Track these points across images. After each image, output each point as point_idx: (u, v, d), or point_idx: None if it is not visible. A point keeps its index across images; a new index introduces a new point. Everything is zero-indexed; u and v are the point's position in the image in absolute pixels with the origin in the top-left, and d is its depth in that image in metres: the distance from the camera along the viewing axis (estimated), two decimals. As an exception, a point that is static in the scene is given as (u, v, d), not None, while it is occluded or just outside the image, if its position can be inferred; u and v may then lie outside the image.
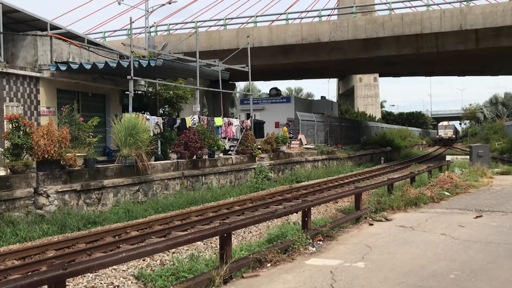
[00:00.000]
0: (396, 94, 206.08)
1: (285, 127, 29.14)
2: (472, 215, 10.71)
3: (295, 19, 32.38)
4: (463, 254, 7.27)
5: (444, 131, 77.55)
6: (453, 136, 77.92)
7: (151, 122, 16.73)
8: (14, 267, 7.78)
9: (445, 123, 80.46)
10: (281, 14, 32.51)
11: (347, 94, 74.89)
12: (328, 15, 35.80)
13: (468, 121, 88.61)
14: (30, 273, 6.79)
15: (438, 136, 78.91)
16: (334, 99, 70.20)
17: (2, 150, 12.46)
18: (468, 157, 25.00)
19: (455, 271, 6.38)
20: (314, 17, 31.68)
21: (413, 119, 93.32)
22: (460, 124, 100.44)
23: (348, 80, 71.61)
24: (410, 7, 31.40)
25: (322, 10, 31.70)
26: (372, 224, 9.90)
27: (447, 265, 6.70)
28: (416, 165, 24.88)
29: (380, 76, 64.09)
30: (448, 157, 29.26)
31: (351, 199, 13.34)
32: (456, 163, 23.04)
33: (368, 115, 62.33)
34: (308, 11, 33.33)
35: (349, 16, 31.08)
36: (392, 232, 8.99)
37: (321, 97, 52.01)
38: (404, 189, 13.25)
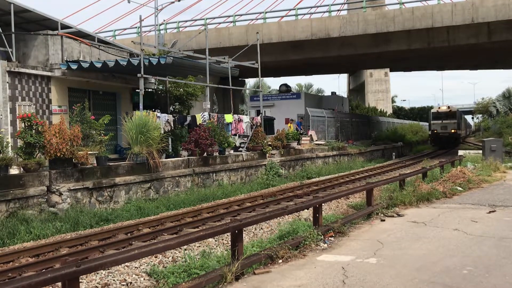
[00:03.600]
0: (407, 89, 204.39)
1: (290, 124, 29.05)
2: (485, 210, 10.61)
3: (304, 14, 32.35)
4: (476, 250, 7.21)
5: (441, 122, 45.21)
6: (457, 131, 45.57)
7: (161, 120, 16.79)
8: (28, 264, 7.87)
9: (443, 107, 48.16)
10: (290, 9, 32.41)
11: (357, 90, 74.61)
12: (338, 10, 35.67)
13: (480, 115, 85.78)
14: (44, 270, 6.86)
15: (430, 132, 47.52)
16: (345, 95, 69.93)
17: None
18: (480, 151, 24.75)
19: (468, 266, 6.33)
20: (324, 12, 31.73)
21: (425, 114, 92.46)
22: (472, 118, 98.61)
23: (359, 75, 71.33)
24: (420, 1, 31.07)
25: (332, 5, 31.70)
26: (384, 220, 9.86)
27: (460, 260, 6.64)
28: (428, 160, 24.65)
29: (391, 71, 63.71)
30: (460, 152, 29.00)
31: (363, 195, 13.28)
32: (468, 157, 22.82)
33: (379, 110, 62.05)
34: (317, 7, 33.35)
35: (359, 11, 30.86)
36: (404, 228, 8.94)
37: (332, 92, 51.85)
38: (416, 184, 13.18)
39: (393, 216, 10.18)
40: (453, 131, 44.63)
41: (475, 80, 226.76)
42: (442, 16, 27.37)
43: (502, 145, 23.93)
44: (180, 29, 34.01)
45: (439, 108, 48.10)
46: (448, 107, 47.53)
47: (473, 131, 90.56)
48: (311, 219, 9.18)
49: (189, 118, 18.99)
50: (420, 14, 27.95)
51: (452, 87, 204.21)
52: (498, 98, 69.33)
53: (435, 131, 45.38)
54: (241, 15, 33.93)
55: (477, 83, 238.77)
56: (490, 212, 10.36)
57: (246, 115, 29.09)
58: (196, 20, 35.46)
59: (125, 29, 36.09)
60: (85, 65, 17.00)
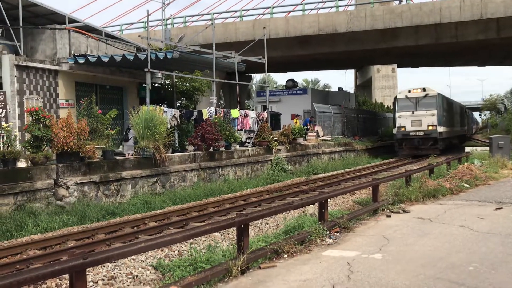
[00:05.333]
0: (414, 85, 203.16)
1: (296, 119, 29.01)
2: (492, 207, 10.57)
3: (311, 9, 32.17)
4: (482, 247, 7.19)
5: (412, 114, 29.49)
6: (438, 128, 28.81)
7: (168, 115, 16.83)
8: (36, 256, 7.94)
9: (415, 90, 30.20)
10: (297, 4, 32.36)
11: (364, 85, 74.25)
12: (345, 5, 35.65)
13: (488, 112, 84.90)
14: (51, 262, 6.92)
15: (396, 131, 30.10)
16: (352, 91, 69.64)
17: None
18: (488, 148, 24.63)
19: (474, 263, 6.31)
20: (331, 7, 31.47)
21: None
22: (480, 115, 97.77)
23: (366, 71, 70.99)
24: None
25: (339, 0, 31.43)
26: (389, 216, 9.85)
27: (466, 257, 6.63)
28: (434, 156, 24.58)
29: (398, 66, 63.31)
30: (467, 149, 28.85)
31: (369, 191, 13.27)
32: (475, 154, 22.73)
33: (386, 106, 61.69)
34: (325, 1, 33.04)
35: (367, 6, 30.73)
36: (410, 224, 8.92)
37: (338, 88, 51.66)
38: (422, 180, 13.14)
39: (399, 212, 10.17)
40: (430, 128, 28.42)
41: (483, 76, 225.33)
42: (450, 11, 27.21)
43: (510, 142, 23.80)
44: (187, 24, 34.02)
45: (408, 92, 29.90)
46: (424, 89, 29.43)
47: (481, 128, 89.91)
48: (317, 214, 9.19)
49: (195, 113, 19.01)
50: (428, 9, 27.80)
51: (459, 83, 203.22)
52: (506, 95, 68.65)
53: (402, 129, 29.04)
54: (248, 10, 34.00)
55: (485, 80, 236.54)
56: (496, 209, 10.32)
57: (252, 110, 29.11)
58: (203, 15, 35.50)
59: (132, 23, 36.22)
60: (92, 59, 17.05)
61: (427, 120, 28.77)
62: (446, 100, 32.73)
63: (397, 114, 29.87)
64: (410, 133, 29.02)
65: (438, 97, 29.44)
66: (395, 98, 31.07)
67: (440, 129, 28.81)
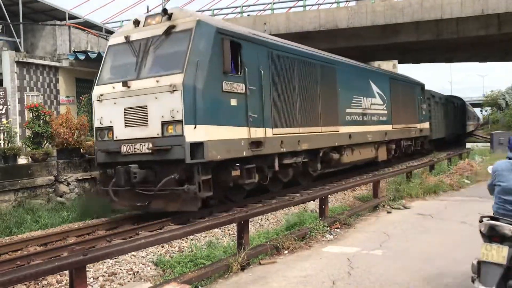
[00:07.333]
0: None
1: None
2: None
3: (312, 5, 32.14)
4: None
5: (125, 95, 9.16)
6: (186, 129, 8.47)
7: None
8: (36, 253, 7.94)
9: (152, 21, 9.15)
10: (298, 0, 32.27)
11: (365, 82, 74.03)
12: (346, 1, 35.40)
13: (489, 108, 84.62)
14: (51, 259, 6.92)
15: (96, 142, 9.89)
16: (352, 87, 69.36)
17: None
18: (489, 144, 24.61)
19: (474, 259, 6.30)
20: (332, 3, 31.32)
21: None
22: (481, 111, 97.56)
23: (367, 67, 70.74)
24: (430, -8, 30.75)
25: (340, -5, 31.34)
26: (390, 212, 9.85)
27: (467, 253, 6.61)
28: (435, 152, 24.56)
29: (399, 63, 63.10)
30: (468, 145, 28.89)
31: (369, 187, 13.26)
32: (476, 150, 22.72)
33: (386, 102, 61.47)
34: (325, -3, 32.96)
35: (367, 1, 30.64)
36: (411, 220, 8.92)
37: (339, 84, 51.39)
38: (423, 177, 13.15)
39: (399, 208, 10.16)
40: (170, 129, 8.80)
41: (484, 72, 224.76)
42: (451, 7, 27.11)
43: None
44: (188, 20, 33.90)
45: (135, 25, 9.61)
46: (166, 13, 9.21)
47: (482, 124, 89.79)
48: (317, 210, 9.19)
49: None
50: (429, 5, 27.70)
51: (461, 79, 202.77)
52: (508, 91, 68.40)
53: (109, 135, 9.63)
54: (249, 5, 33.95)
55: (486, 75, 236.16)
56: (497, 205, 10.30)
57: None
58: (203, 11, 35.31)
59: (132, 19, 36.04)
60: (93, 55, 17.02)
61: (162, 106, 8.97)
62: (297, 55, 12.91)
63: (95, 91, 10.06)
64: (123, 149, 9.48)
65: (198, 31, 9.06)
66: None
67: (200, 133, 8.89)
